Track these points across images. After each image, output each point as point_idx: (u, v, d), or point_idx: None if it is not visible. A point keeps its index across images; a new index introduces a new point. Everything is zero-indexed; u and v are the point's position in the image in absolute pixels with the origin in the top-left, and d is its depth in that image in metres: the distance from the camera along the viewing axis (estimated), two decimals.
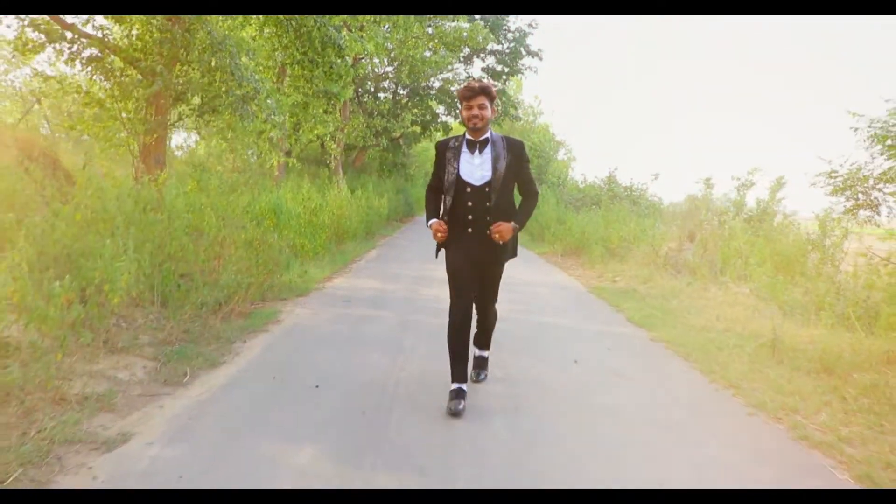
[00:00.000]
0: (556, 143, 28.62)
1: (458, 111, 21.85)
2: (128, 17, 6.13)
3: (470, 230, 3.09)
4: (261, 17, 8.37)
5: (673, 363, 4.20)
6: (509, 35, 21.96)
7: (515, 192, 3.24)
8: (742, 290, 6.39)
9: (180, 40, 6.16)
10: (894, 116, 4.83)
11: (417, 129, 22.87)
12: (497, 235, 2.99)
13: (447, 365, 3.16)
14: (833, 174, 6.62)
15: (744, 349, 4.30)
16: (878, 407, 3.18)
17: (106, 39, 6.45)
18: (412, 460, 2.54)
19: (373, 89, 21.62)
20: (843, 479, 2.48)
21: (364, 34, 11.82)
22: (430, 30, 18.20)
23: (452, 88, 21.74)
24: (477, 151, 3.08)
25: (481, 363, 3.60)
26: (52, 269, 3.50)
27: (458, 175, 3.08)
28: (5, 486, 2.16)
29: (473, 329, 3.33)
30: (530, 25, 21.95)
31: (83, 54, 6.26)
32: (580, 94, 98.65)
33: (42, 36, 6.06)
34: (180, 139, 17.37)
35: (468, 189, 3.07)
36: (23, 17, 5.90)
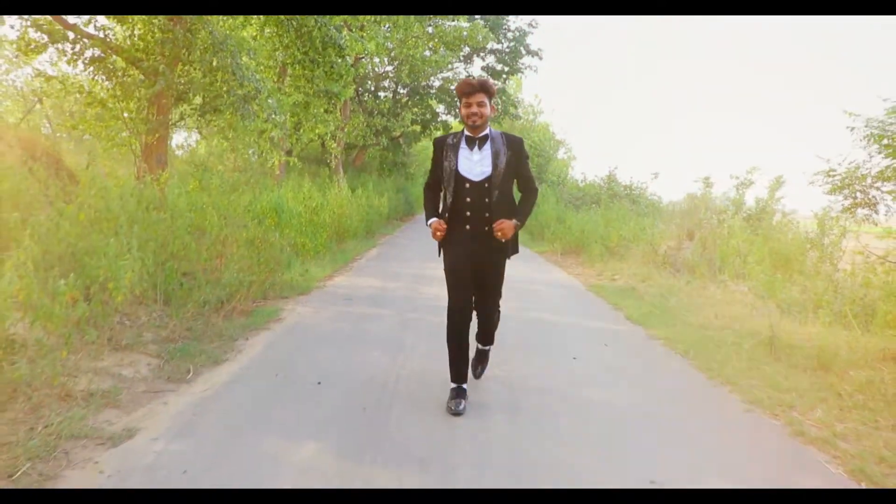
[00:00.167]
0: (555, 142, 28.65)
1: (457, 110, 21.88)
2: (130, 18, 6.16)
3: (468, 227, 3.05)
4: (261, 16, 8.39)
5: (671, 360, 4.24)
6: (509, 34, 21.97)
7: (514, 189, 3.24)
8: (740, 288, 6.43)
9: (182, 40, 6.20)
10: (891, 116, 4.85)
11: (417, 128, 22.90)
12: (500, 233, 2.95)
13: (447, 363, 3.18)
14: (831, 173, 6.63)
15: (741, 346, 4.34)
16: (872, 403, 3.22)
17: (108, 40, 6.48)
18: (413, 455, 2.58)
19: (373, 88, 21.65)
20: (836, 474, 2.52)
21: (364, 34, 11.85)
22: (430, 29, 18.22)
23: (452, 87, 21.76)
24: (476, 148, 3.05)
25: (482, 357, 3.53)
26: (57, 267, 3.54)
27: (456, 171, 3.04)
28: (14, 479, 2.20)
29: (474, 329, 3.28)
30: (530, 25, 21.97)
31: (85, 54, 6.29)
32: (580, 93, 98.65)
33: (45, 36, 6.10)
34: (181, 139, 17.41)
35: (467, 185, 3.03)
36: (25, 17, 5.94)
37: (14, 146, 4.89)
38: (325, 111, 11.43)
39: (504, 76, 22.70)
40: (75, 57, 6.26)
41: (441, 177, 3.13)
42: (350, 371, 3.71)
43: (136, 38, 6.41)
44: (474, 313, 3.23)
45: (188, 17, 6.20)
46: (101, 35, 6.47)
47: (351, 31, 11.27)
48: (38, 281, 3.24)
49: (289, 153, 12.49)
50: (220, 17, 7.61)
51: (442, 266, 3.17)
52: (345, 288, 6.69)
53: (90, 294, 3.64)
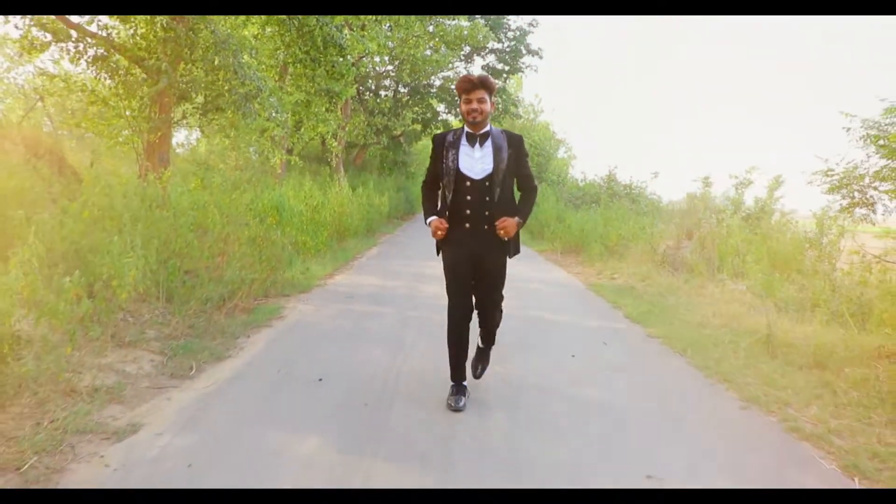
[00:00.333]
0: (556, 141, 28.67)
1: (458, 108, 21.91)
2: (132, 17, 6.20)
3: (468, 225, 3.00)
4: (263, 16, 8.42)
5: (669, 358, 4.27)
6: (510, 34, 22.02)
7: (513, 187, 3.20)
8: (739, 287, 6.47)
9: (184, 39, 6.23)
10: (887, 116, 4.90)
11: (418, 127, 22.95)
12: (503, 231, 2.92)
13: (447, 360, 3.20)
14: (829, 172, 6.68)
15: (738, 345, 4.37)
16: (867, 400, 3.26)
17: (111, 39, 6.51)
18: (413, 450, 2.62)
19: (374, 87, 21.68)
20: (830, 469, 2.56)
21: (365, 33, 11.88)
22: (430, 28, 18.25)
23: (453, 87, 21.80)
24: (477, 145, 3.00)
25: (482, 356, 3.42)
26: (61, 264, 3.58)
27: (457, 169, 2.99)
28: (22, 472, 2.24)
29: (475, 329, 3.24)
30: (530, 24, 22.00)
31: (88, 53, 6.32)
32: (580, 93, 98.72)
33: (48, 35, 6.13)
34: (181, 137, 17.43)
35: (467, 183, 2.98)
36: (28, 16, 5.97)
37: (18, 144, 4.93)
38: (326, 110, 11.47)
39: (504, 75, 22.75)
40: (78, 55, 6.29)
41: (440, 174, 3.07)
42: (351, 368, 3.75)
43: (138, 38, 6.44)
44: (475, 312, 3.19)
45: (190, 17, 6.24)
46: (104, 34, 6.50)
47: (352, 30, 11.30)
48: (42, 278, 3.28)
49: (289, 152, 12.53)
50: (222, 16, 7.64)
51: (442, 265, 3.15)
52: (346, 286, 6.73)
53: (94, 291, 3.69)
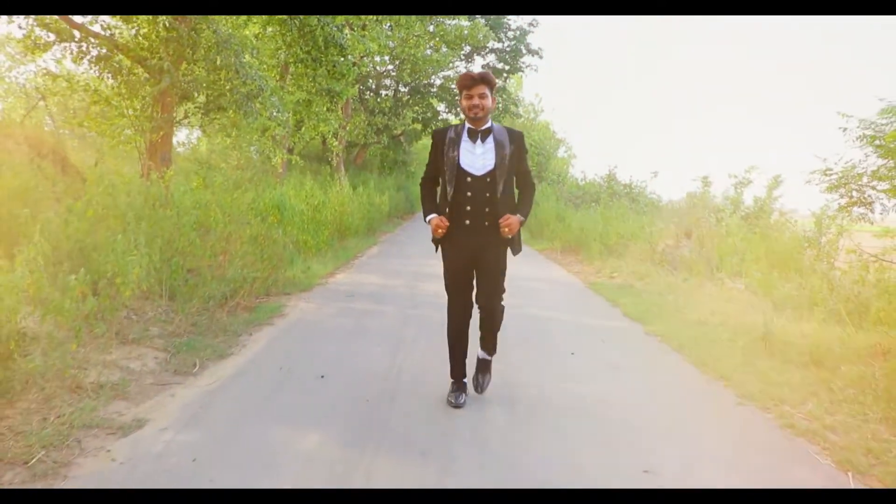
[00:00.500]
0: (556, 140, 28.68)
1: (458, 109, 21.99)
2: (135, 17, 6.24)
3: (468, 222, 2.97)
4: (264, 16, 8.47)
5: (667, 356, 4.32)
6: (510, 33, 22.06)
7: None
8: (737, 285, 6.51)
9: (187, 39, 6.28)
10: (883, 116, 4.94)
11: (418, 126, 22.99)
12: (507, 229, 2.89)
13: (447, 357, 3.24)
14: (828, 172, 6.71)
15: (736, 343, 4.41)
16: (862, 397, 3.29)
17: (113, 38, 6.55)
18: (414, 446, 2.66)
19: (374, 87, 21.72)
20: (825, 464, 2.60)
21: (366, 33, 11.92)
22: (431, 28, 18.30)
23: (453, 86, 21.85)
24: (479, 141, 2.97)
25: (484, 367, 3.26)
26: (66, 262, 3.62)
27: (458, 165, 2.96)
28: (30, 465, 2.29)
29: (475, 329, 3.19)
30: (531, 24, 22.04)
31: (91, 53, 6.36)
32: (580, 92, 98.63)
33: (51, 35, 6.17)
34: (182, 136, 17.47)
35: (468, 179, 2.95)
36: (32, 16, 6.01)
37: (22, 143, 4.97)
38: (328, 110, 11.51)
39: (505, 75, 22.78)
40: (81, 55, 6.33)
41: (441, 170, 3.04)
42: (352, 365, 3.79)
43: (140, 38, 6.49)
44: (475, 310, 3.17)
45: (193, 17, 6.28)
46: (107, 34, 6.54)
47: (353, 30, 11.33)
48: (48, 276, 3.33)
49: (290, 151, 12.58)
50: (224, 16, 7.68)
51: (441, 263, 3.14)
52: (346, 285, 6.77)
53: (98, 289, 3.73)
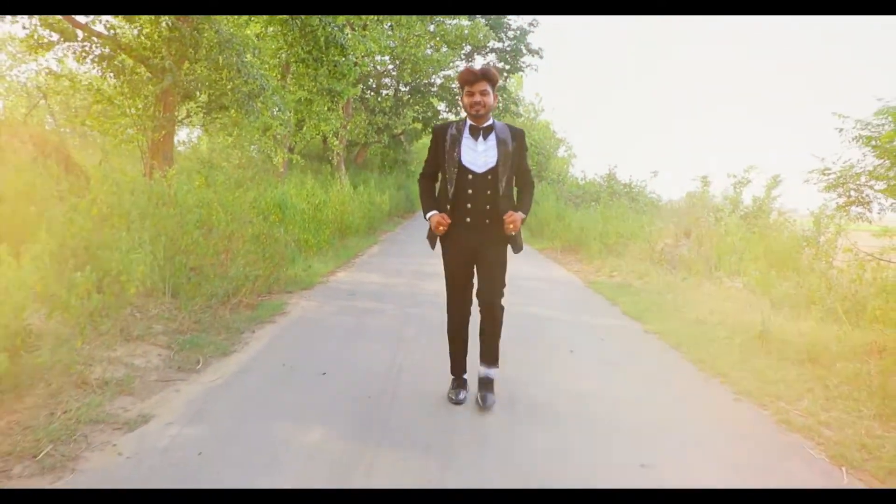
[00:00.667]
0: (556, 140, 28.72)
1: (458, 109, 22.05)
2: (138, 17, 6.28)
3: (468, 220, 2.96)
4: (266, 16, 8.51)
5: (665, 353, 4.36)
6: (510, 33, 22.10)
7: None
8: (735, 284, 6.55)
9: (189, 39, 6.32)
10: (879, 117, 4.99)
11: (419, 125, 23.04)
12: (512, 226, 2.88)
13: (448, 355, 3.27)
14: (826, 171, 6.76)
15: (734, 341, 4.46)
16: (857, 394, 3.34)
17: (116, 38, 6.60)
18: (415, 440, 2.70)
19: (375, 86, 21.77)
20: (819, 459, 2.64)
21: (367, 33, 11.96)
22: (431, 28, 18.34)
23: (454, 85, 21.90)
24: (481, 138, 2.95)
25: (487, 385, 3.14)
26: (72, 260, 3.67)
27: (459, 162, 2.93)
28: (38, 459, 2.33)
29: (474, 326, 3.16)
30: (531, 24, 22.08)
31: (94, 52, 6.41)
32: (581, 92, 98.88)
33: (54, 35, 6.21)
34: (182, 135, 17.52)
35: (470, 176, 2.93)
36: (35, 16, 6.06)
37: (26, 142, 5.02)
38: (328, 109, 11.56)
39: (505, 74, 22.82)
40: (84, 55, 6.37)
41: (440, 166, 3.03)
42: (354, 362, 3.84)
43: (143, 37, 6.53)
44: (475, 313, 3.14)
45: (195, 17, 6.32)
46: (111, 34, 6.58)
47: (353, 30, 11.37)
48: (54, 273, 3.38)
49: (291, 150, 12.63)
50: (225, 16, 7.73)
51: (441, 262, 3.14)
52: (347, 283, 6.82)
53: (102, 286, 3.77)
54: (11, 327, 2.89)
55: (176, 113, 7.04)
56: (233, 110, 7.43)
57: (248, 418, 2.88)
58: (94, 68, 6.67)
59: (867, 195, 6.48)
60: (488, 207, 2.95)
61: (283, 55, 9.94)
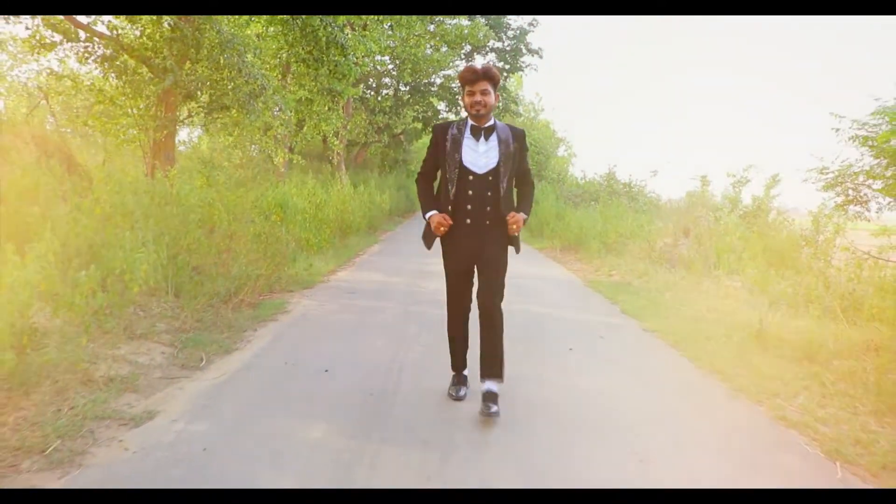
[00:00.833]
0: (556, 139, 28.78)
1: (458, 108, 22.10)
2: (139, 17, 6.32)
3: (469, 221, 2.93)
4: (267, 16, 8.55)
5: (663, 351, 4.40)
6: (510, 33, 22.15)
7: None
8: (734, 283, 6.59)
9: (191, 39, 6.36)
10: (875, 117, 5.04)
11: (419, 125, 23.08)
12: (515, 226, 2.87)
13: (448, 352, 3.31)
14: (824, 170, 6.81)
15: (731, 339, 4.50)
16: (853, 391, 3.39)
17: (119, 38, 6.63)
18: (417, 435, 2.74)
19: (375, 86, 21.81)
20: (813, 454, 2.69)
21: (367, 33, 12.00)
22: (431, 28, 18.39)
23: (453, 85, 21.95)
24: (482, 138, 2.92)
25: (491, 398, 2.95)
26: (76, 259, 3.71)
27: (460, 162, 2.91)
28: (47, 454, 2.37)
29: (474, 322, 3.12)
30: (531, 24, 22.13)
31: (96, 53, 6.45)
32: (581, 92, 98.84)
33: (56, 35, 6.25)
34: (182, 135, 17.57)
35: (470, 177, 2.91)
36: (37, 16, 6.09)
37: (29, 143, 5.05)
38: (329, 109, 11.60)
39: (505, 74, 22.86)
40: (87, 55, 6.41)
41: (441, 166, 3.00)
42: (355, 360, 3.88)
43: (145, 38, 6.57)
44: (474, 315, 3.11)
45: (197, 17, 6.36)
46: (113, 34, 6.62)
47: (354, 30, 11.41)
48: (58, 272, 3.41)
49: (291, 150, 12.67)
50: (226, 16, 7.77)
51: (442, 261, 3.13)
52: (348, 282, 6.86)
53: (106, 285, 3.81)
54: (17, 325, 2.93)
55: (177, 113, 7.08)
56: (234, 110, 7.47)
57: (251, 414, 2.92)
58: (96, 69, 6.71)
59: (865, 194, 6.52)
60: (489, 209, 2.93)
61: (284, 55, 9.98)
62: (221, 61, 6.92)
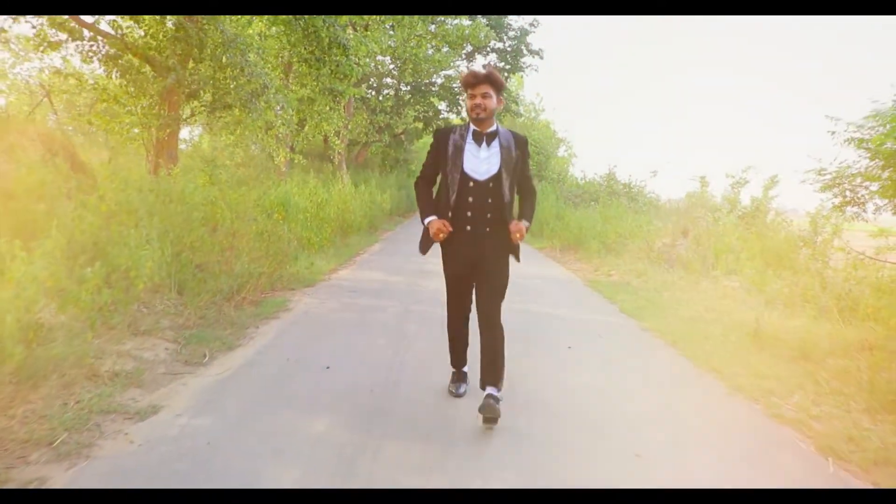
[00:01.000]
0: (556, 139, 28.84)
1: (459, 108, 22.16)
2: (144, 17, 6.37)
3: (469, 228, 2.89)
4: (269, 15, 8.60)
5: (660, 350, 4.45)
6: (511, 33, 22.20)
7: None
8: (732, 283, 6.64)
9: (195, 38, 6.41)
10: (870, 120, 5.09)
11: (420, 125, 23.14)
12: (518, 235, 2.84)
13: (448, 350, 3.35)
14: (822, 171, 6.85)
15: (728, 338, 4.56)
16: (847, 389, 3.44)
17: (123, 38, 6.68)
18: (418, 430, 2.79)
19: (376, 86, 21.86)
20: (806, 450, 2.74)
21: (368, 34, 12.06)
22: (432, 28, 18.44)
23: (454, 85, 22.00)
24: (484, 144, 2.87)
25: (491, 409, 2.80)
26: (81, 256, 3.76)
27: (461, 169, 2.86)
28: (54, 446, 2.42)
29: (474, 320, 3.10)
30: (531, 24, 22.18)
31: (101, 52, 6.50)
32: (581, 92, 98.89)
33: (61, 34, 6.30)
34: (184, 134, 17.62)
35: (471, 184, 2.86)
36: (42, 16, 6.14)
37: (35, 140, 5.10)
38: (330, 108, 11.66)
39: (506, 74, 22.92)
40: (92, 54, 6.46)
41: (441, 171, 2.95)
42: (357, 357, 3.93)
43: (149, 37, 6.62)
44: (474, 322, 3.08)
45: (200, 16, 6.41)
46: (118, 34, 6.67)
47: (355, 30, 11.46)
48: (64, 269, 3.46)
49: (292, 150, 12.72)
50: (229, 15, 7.81)
51: (441, 261, 3.12)
52: (349, 281, 6.91)
53: (111, 282, 3.87)
54: (24, 321, 2.98)
55: (181, 111, 7.13)
56: (236, 109, 7.53)
57: (254, 409, 2.97)
58: (99, 67, 6.76)
59: (862, 196, 6.57)
60: (489, 216, 2.88)
61: (286, 55, 10.03)
62: (224, 60, 6.97)
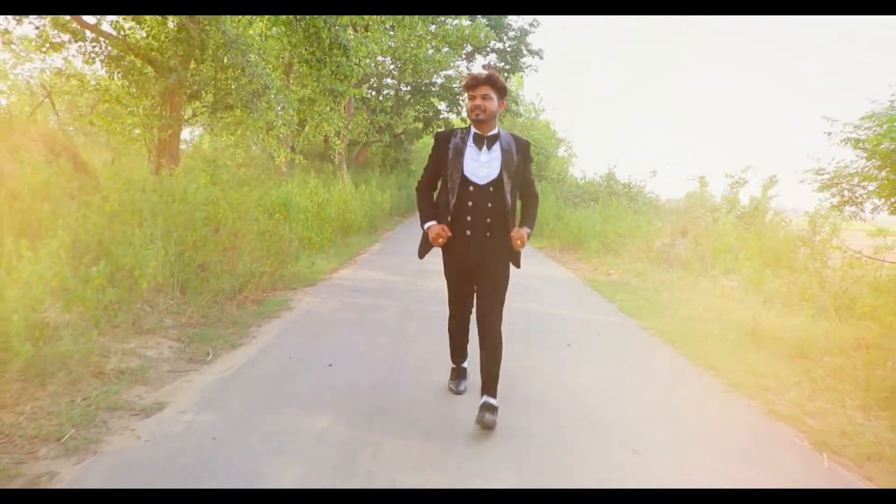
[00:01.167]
0: (556, 140, 28.88)
1: (459, 108, 22.20)
2: (145, 17, 6.41)
3: (469, 232, 2.86)
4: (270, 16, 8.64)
5: (659, 348, 4.50)
6: (511, 33, 22.25)
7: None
8: (730, 282, 6.69)
9: (197, 39, 6.45)
10: (866, 120, 5.14)
11: (420, 125, 23.19)
12: (519, 241, 2.81)
13: (448, 348, 3.38)
14: (820, 171, 6.90)
15: (727, 337, 4.60)
16: (842, 386, 3.48)
17: (125, 39, 6.72)
18: (418, 427, 2.84)
19: (376, 86, 21.91)
20: (801, 445, 2.78)
21: (369, 35, 12.10)
22: (432, 28, 18.48)
23: (455, 85, 22.04)
24: (485, 148, 2.84)
25: (489, 408, 2.85)
26: (86, 256, 3.80)
27: (461, 173, 2.83)
28: (62, 442, 2.47)
29: (474, 320, 3.10)
30: (531, 24, 22.22)
31: (103, 53, 6.54)
32: (581, 92, 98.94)
33: (63, 35, 6.34)
34: (185, 134, 17.67)
35: (471, 188, 2.83)
36: (44, 16, 6.19)
37: (37, 141, 5.15)
38: (330, 109, 11.70)
39: (506, 75, 22.96)
40: (94, 55, 6.50)
41: (442, 175, 2.93)
42: (358, 355, 3.97)
43: (150, 38, 6.66)
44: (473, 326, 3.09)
45: (202, 17, 6.45)
46: (120, 35, 6.71)
47: (356, 31, 11.51)
48: (69, 268, 3.51)
49: (293, 150, 12.76)
50: (231, 16, 7.85)
51: (442, 261, 3.12)
52: (350, 280, 6.95)
53: (115, 281, 3.91)
54: (31, 320, 3.02)
55: (182, 112, 7.17)
56: (238, 109, 7.57)
57: (258, 406, 3.02)
58: (101, 68, 6.81)
59: (860, 195, 6.62)
60: (489, 220, 2.85)
61: (287, 55, 10.07)
62: (226, 61, 7.01)
